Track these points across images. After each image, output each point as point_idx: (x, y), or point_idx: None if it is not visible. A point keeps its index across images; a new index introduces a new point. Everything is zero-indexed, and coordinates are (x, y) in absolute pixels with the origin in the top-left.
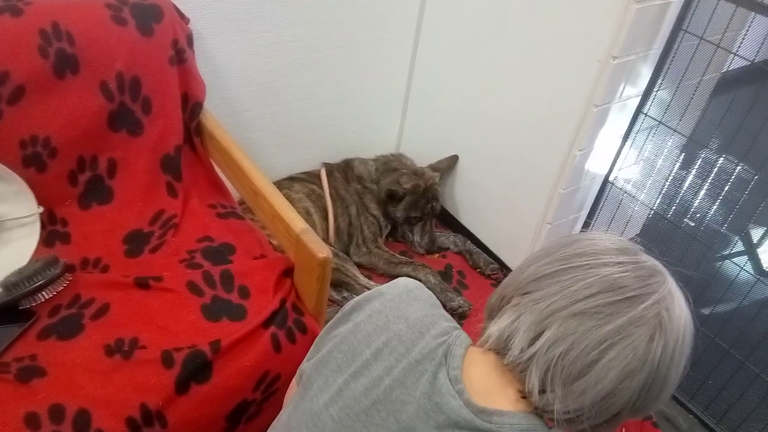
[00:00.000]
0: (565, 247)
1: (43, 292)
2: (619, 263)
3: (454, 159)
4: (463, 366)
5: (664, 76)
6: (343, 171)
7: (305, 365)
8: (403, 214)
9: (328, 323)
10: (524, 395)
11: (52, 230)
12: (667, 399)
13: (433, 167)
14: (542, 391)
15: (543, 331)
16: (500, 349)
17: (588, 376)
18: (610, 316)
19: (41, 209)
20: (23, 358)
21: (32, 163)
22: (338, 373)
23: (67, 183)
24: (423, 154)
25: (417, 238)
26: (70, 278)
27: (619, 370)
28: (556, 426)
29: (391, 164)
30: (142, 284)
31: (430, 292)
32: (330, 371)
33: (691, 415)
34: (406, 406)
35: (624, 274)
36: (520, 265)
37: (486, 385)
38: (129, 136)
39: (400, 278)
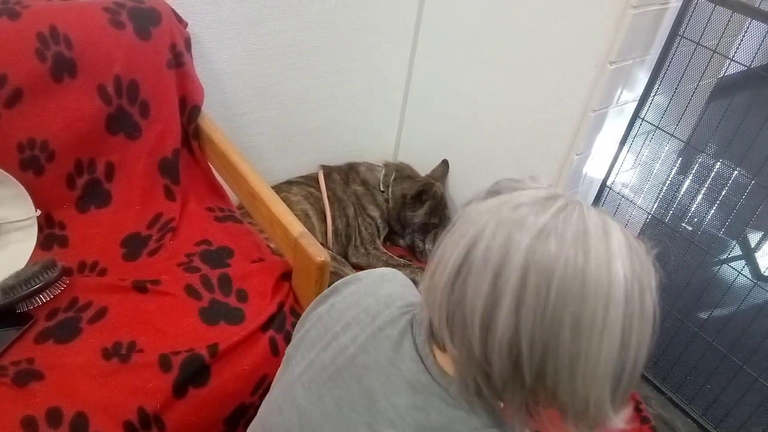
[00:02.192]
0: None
1: (40, 296)
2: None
3: (446, 165)
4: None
5: (661, 81)
6: (345, 173)
7: (288, 346)
8: (422, 219)
9: (309, 305)
10: None
11: (50, 233)
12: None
13: (433, 177)
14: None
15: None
16: None
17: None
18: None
19: (39, 212)
20: (20, 361)
21: (30, 166)
22: (312, 348)
23: (65, 186)
24: (421, 158)
25: (430, 246)
26: (68, 281)
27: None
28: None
29: (404, 171)
30: (139, 288)
31: (406, 278)
32: (305, 348)
33: (689, 420)
34: (368, 371)
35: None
36: None
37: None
38: (127, 139)
39: (381, 268)
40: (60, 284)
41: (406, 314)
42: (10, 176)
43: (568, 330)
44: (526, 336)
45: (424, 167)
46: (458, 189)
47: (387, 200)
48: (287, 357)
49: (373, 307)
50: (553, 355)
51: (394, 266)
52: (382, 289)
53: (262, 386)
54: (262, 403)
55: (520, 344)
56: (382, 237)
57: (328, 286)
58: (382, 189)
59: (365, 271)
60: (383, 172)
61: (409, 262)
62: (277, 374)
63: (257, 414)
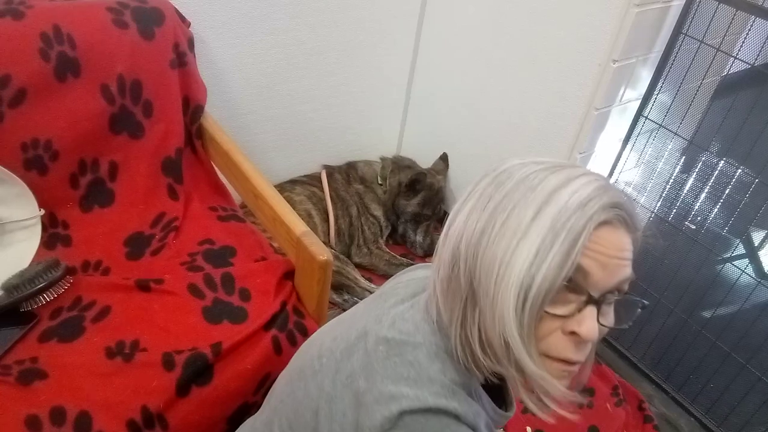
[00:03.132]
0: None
1: (44, 295)
2: None
3: (445, 158)
4: None
5: (665, 80)
6: (345, 173)
7: None
8: (414, 209)
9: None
10: None
11: (54, 233)
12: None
13: (434, 170)
14: None
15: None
16: None
17: None
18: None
19: (42, 212)
20: (24, 360)
21: (34, 165)
22: (372, 296)
23: (69, 186)
24: (423, 156)
25: (420, 238)
26: (71, 281)
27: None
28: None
29: (403, 162)
30: (143, 287)
31: None
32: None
33: (692, 418)
34: (392, 295)
35: None
36: None
37: None
38: (130, 139)
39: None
40: (64, 283)
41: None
42: (14, 175)
43: (497, 230)
44: (466, 237)
45: (426, 165)
46: (460, 187)
47: (385, 192)
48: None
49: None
50: (481, 257)
51: (396, 266)
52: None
53: (264, 385)
54: None
55: (460, 246)
56: (385, 236)
57: (331, 284)
58: (380, 182)
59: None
60: (381, 165)
61: (412, 261)
62: None
63: None
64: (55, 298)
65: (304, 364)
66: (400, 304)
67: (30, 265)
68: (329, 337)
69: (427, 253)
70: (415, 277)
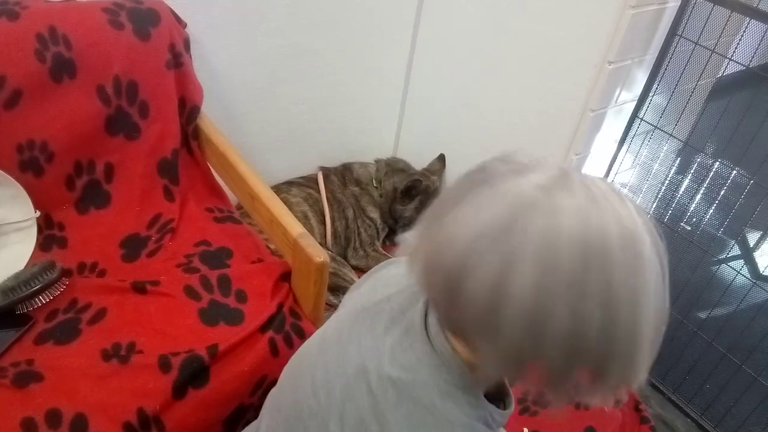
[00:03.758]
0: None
1: (39, 297)
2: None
3: (442, 159)
4: None
5: (660, 81)
6: (341, 175)
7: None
8: (411, 213)
9: (352, 286)
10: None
11: (49, 234)
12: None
13: (429, 171)
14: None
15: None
16: None
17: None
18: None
19: (38, 213)
20: (20, 362)
21: (29, 167)
22: (358, 296)
23: (64, 187)
24: (420, 158)
25: None
26: (67, 283)
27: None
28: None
29: (397, 165)
30: (139, 289)
31: None
32: (355, 295)
33: (688, 419)
34: (381, 314)
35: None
36: None
37: None
38: (126, 140)
39: None
40: (59, 285)
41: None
42: (10, 177)
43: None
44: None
45: (423, 167)
46: None
47: (381, 195)
48: (344, 302)
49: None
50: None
51: None
52: None
53: (261, 387)
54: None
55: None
56: (381, 238)
57: (327, 286)
58: (375, 185)
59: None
60: (375, 168)
61: None
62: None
63: None
64: (50, 300)
65: (299, 399)
66: (392, 326)
67: (26, 267)
68: (321, 368)
69: None
70: (390, 281)
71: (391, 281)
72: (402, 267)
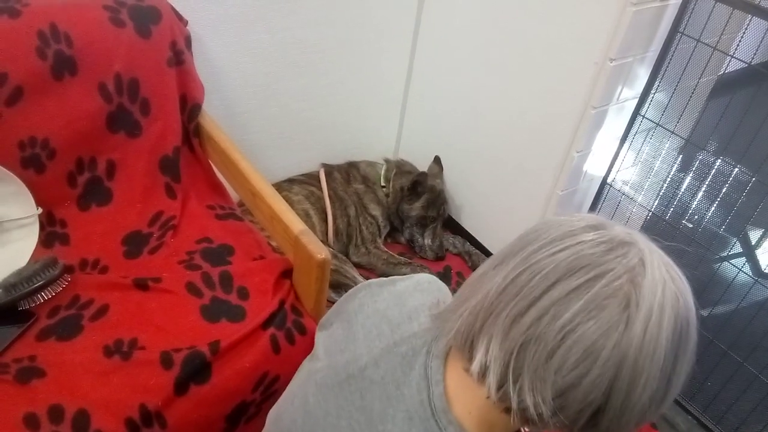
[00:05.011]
0: (526, 244)
1: (42, 293)
2: (579, 242)
3: (438, 161)
4: (448, 360)
5: (662, 78)
6: (346, 172)
7: (317, 331)
8: (419, 212)
9: (339, 300)
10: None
11: (51, 231)
12: (656, 401)
13: (431, 174)
14: (500, 387)
15: (512, 350)
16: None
17: (547, 365)
18: (568, 304)
19: (40, 210)
20: (22, 358)
21: (31, 164)
22: (334, 345)
23: (66, 184)
24: (421, 155)
25: (428, 241)
26: (69, 279)
27: (579, 355)
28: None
29: (405, 167)
30: (141, 285)
31: (445, 288)
32: (329, 343)
33: (689, 417)
34: (373, 387)
35: (582, 253)
36: (479, 278)
37: (458, 385)
38: (127, 137)
39: (420, 274)
40: (61, 282)
41: (428, 332)
42: (11, 174)
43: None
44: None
45: (424, 165)
46: (458, 186)
47: (388, 195)
48: (315, 344)
49: (396, 318)
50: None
51: (395, 265)
52: (412, 299)
53: (263, 383)
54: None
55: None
56: (383, 236)
57: (330, 284)
58: (383, 184)
59: (403, 276)
60: (384, 167)
61: (410, 261)
62: (307, 357)
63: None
64: (53, 296)
65: None
66: (389, 406)
67: (28, 263)
68: None
69: (437, 256)
70: (369, 331)
71: (370, 330)
72: (372, 306)
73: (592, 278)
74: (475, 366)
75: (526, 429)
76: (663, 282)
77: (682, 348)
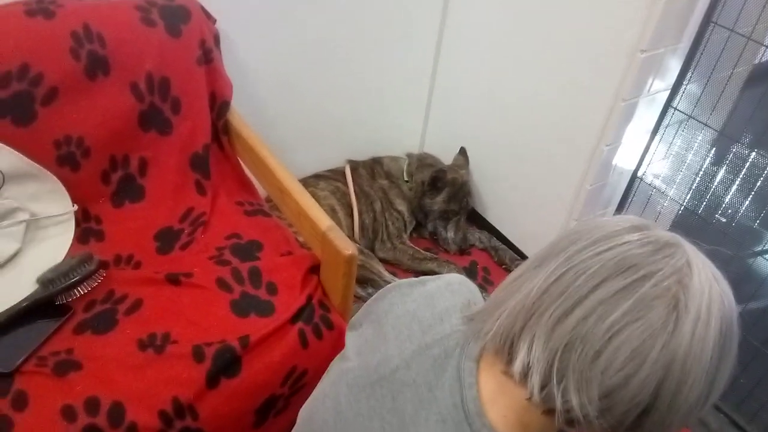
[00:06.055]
0: (569, 245)
1: (78, 288)
2: (625, 243)
3: (464, 152)
4: (481, 362)
5: (694, 70)
6: (370, 168)
7: (347, 332)
8: (441, 206)
9: (368, 301)
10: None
11: (87, 228)
12: (701, 402)
13: (456, 165)
14: (543, 387)
15: (556, 350)
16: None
17: (593, 365)
18: (616, 304)
19: (76, 207)
20: (60, 352)
21: (66, 162)
22: (365, 346)
23: (100, 182)
24: (447, 151)
25: (451, 234)
26: (104, 274)
27: (627, 355)
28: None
29: (426, 160)
30: (173, 280)
31: (475, 289)
32: (360, 344)
33: (721, 415)
34: (405, 389)
35: (629, 253)
36: (519, 277)
37: (494, 388)
38: (159, 135)
39: (449, 274)
40: (97, 277)
41: (461, 334)
42: (48, 172)
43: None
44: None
45: (449, 160)
46: (484, 180)
47: (411, 189)
48: (346, 344)
49: (428, 319)
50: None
51: (420, 260)
52: (443, 300)
53: (291, 377)
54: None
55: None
56: (408, 231)
57: (356, 280)
58: (406, 179)
59: (433, 276)
60: (407, 162)
61: (436, 256)
62: (337, 356)
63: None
64: (88, 291)
65: None
66: (421, 409)
67: (64, 259)
68: None
69: (461, 249)
70: (400, 331)
71: (401, 331)
72: (402, 306)
73: (640, 278)
74: (517, 366)
75: (566, 430)
76: (709, 283)
77: (726, 349)
